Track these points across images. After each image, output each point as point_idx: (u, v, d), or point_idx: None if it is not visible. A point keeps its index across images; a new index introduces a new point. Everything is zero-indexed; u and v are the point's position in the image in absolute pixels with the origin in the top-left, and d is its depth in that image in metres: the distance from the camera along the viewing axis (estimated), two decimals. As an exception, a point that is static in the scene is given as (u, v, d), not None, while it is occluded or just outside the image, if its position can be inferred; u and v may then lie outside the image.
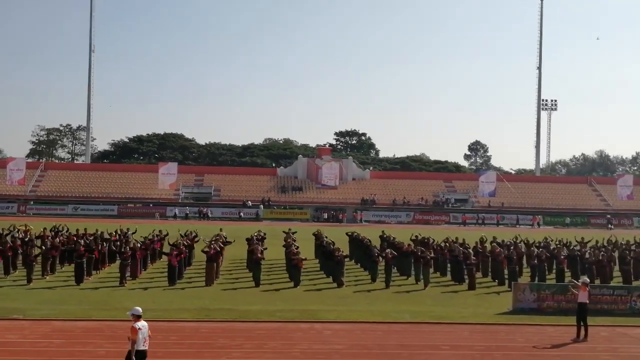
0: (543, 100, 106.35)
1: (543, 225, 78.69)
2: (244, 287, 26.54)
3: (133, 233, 36.56)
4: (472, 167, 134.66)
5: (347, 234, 37.98)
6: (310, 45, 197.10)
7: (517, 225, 76.71)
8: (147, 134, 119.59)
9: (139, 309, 13.36)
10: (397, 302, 24.22)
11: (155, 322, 19.41)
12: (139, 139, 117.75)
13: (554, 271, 30.40)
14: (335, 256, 28.05)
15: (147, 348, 13.22)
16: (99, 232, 35.18)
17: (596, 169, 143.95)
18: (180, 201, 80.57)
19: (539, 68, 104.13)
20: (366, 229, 51.43)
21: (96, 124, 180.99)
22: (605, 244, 36.47)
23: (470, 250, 31.27)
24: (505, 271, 28.85)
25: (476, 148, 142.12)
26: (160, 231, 35.55)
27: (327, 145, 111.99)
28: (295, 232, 38.67)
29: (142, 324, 13.17)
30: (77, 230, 36.28)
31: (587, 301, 19.11)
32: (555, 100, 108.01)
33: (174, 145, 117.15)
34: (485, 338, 18.81)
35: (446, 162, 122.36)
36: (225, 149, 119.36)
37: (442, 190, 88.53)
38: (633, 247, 35.28)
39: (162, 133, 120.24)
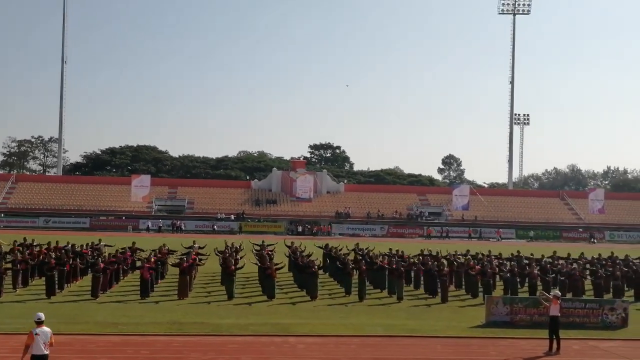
0: (516, 114, 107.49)
1: (514, 239, 79.25)
2: (217, 300, 26.34)
3: (107, 246, 36.19)
4: (446, 180, 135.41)
5: (318, 247, 37.90)
6: (284, 58, 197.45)
7: (482, 239, 77.12)
8: (120, 146, 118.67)
9: (41, 314, 14.38)
10: (370, 315, 24.17)
11: (126, 336, 19.27)
12: (111, 151, 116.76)
13: (526, 284, 30.56)
14: (309, 269, 27.98)
15: (48, 353, 14.04)
16: (69, 245, 34.80)
17: (568, 183, 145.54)
18: (153, 214, 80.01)
19: (512, 82, 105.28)
20: (340, 242, 51.37)
21: (68, 136, 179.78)
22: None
23: (444, 262, 31.42)
24: (479, 284, 28.99)
25: (450, 162, 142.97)
26: (164, 245, 35.25)
27: (301, 158, 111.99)
28: (274, 244, 38.49)
29: (41, 329, 13.99)
30: (49, 243, 35.83)
31: (559, 314, 19.22)
32: (528, 115, 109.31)
33: (147, 157, 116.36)
34: (458, 351, 18.83)
35: (420, 175, 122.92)
36: (199, 161, 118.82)
37: (416, 204, 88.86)
38: (604, 262, 35.58)
39: (135, 145, 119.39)
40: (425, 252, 35.60)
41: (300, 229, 77.97)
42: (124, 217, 78.62)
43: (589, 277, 31.47)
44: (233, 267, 27.58)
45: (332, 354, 17.98)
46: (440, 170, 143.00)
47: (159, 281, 29.87)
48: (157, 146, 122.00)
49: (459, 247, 44.32)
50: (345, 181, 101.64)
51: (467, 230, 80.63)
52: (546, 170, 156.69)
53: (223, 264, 28.87)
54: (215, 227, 76.68)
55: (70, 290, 27.77)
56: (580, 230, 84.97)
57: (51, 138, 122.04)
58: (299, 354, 17.92)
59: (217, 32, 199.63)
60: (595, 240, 78.15)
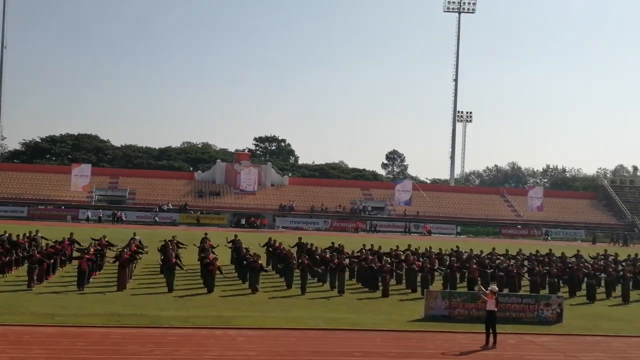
0: (459, 112, 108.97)
1: (454, 235, 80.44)
2: (157, 292, 26.06)
3: (44, 238, 35.39)
4: (389, 176, 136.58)
5: (261, 245, 37.68)
6: (230, 49, 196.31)
7: (408, 234, 78.08)
8: (61, 134, 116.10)
9: None
10: (312, 308, 24.22)
11: (63, 328, 18.91)
12: (51, 139, 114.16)
13: (465, 279, 31.04)
14: (250, 262, 27.90)
15: None
16: (6, 235, 33.97)
17: (508, 181, 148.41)
18: (93, 204, 78.69)
19: (456, 80, 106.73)
20: (284, 236, 51.42)
21: (7, 123, 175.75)
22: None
23: (387, 258, 31.70)
24: (418, 279, 29.35)
25: (394, 157, 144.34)
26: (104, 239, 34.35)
27: (246, 151, 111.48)
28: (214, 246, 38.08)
29: None
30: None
31: (496, 309, 19.55)
32: (471, 112, 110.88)
33: (88, 146, 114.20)
34: (398, 345, 19.01)
35: (364, 170, 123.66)
36: (141, 151, 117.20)
37: (360, 198, 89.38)
38: (541, 258, 36.38)
39: (75, 134, 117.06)
40: (367, 248, 35.83)
41: (243, 221, 77.66)
42: (63, 207, 77.12)
43: (526, 274, 32.06)
44: (174, 260, 27.31)
45: (272, 347, 17.96)
46: (384, 166, 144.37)
47: (96, 273, 29.35)
48: (98, 135, 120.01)
49: (398, 242, 44.71)
50: (290, 174, 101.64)
51: (404, 225, 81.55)
52: (487, 167, 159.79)
53: (164, 257, 28.56)
54: (157, 218, 75.82)
55: (7, 280, 27.14)
56: (519, 227, 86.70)
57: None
58: (239, 346, 17.85)
59: (161, 21, 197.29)
60: (549, 238, 79.67)
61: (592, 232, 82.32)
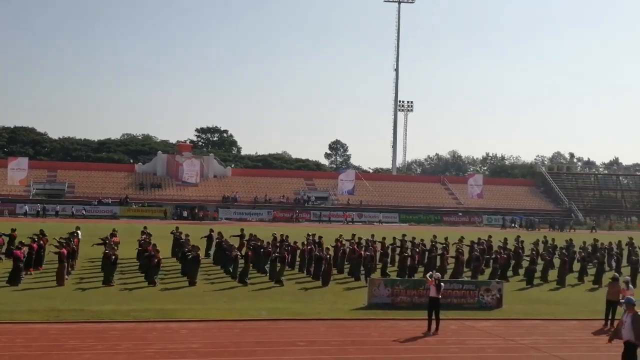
0: (400, 101, 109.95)
1: (398, 223, 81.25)
2: (97, 287, 25.61)
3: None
4: (333, 165, 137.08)
5: (202, 237, 37.38)
6: (169, 39, 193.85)
7: (330, 222, 78.72)
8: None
9: None
10: (255, 299, 24.15)
11: (1, 325, 18.45)
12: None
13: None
14: (189, 254, 27.70)
15: None
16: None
17: (449, 169, 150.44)
18: (31, 198, 76.95)
19: (396, 70, 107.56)
20: (227, 227, 51.16)
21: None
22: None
23: (329, 247, 31.80)
24: (361, 267, 29.58)
25: (336, 147, 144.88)
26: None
27: (187, 142, 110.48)
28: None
29: None
30: None
31: (438, 296, 19.77)
32: (412, 102, 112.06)
33: (25, 139, 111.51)
34: (341, 333, 19.11)
35: (307, 160, 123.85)
36: (80, 144, 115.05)
37: (303, 188, 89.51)
38: (482, 245, 36.94)
39: (11, 127, 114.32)
40: (311, 239, 35.85)
41: (185, 213, 76.98)
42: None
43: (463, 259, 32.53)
44: (116, 254, 26.91)
45: (215, 339, 17.87)
46: (327, 156, 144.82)
47: (30, 269, 28.60)
48: (35, 128, 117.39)
49: (342, 231, 44.95)
50: (233, 165, 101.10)
51: (344, 215, 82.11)
52: (428, 156, 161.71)
53: (107, 251, 28.07)
54: (84, 211, 74.17)
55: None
56: (460, 214, 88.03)
57: None
58: (181, 339, 17.70)
59: (100, 11, 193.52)
60: (515, 225, 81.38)
61: (530, 218, 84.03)
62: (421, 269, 31.63)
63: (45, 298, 22.78)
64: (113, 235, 34.56)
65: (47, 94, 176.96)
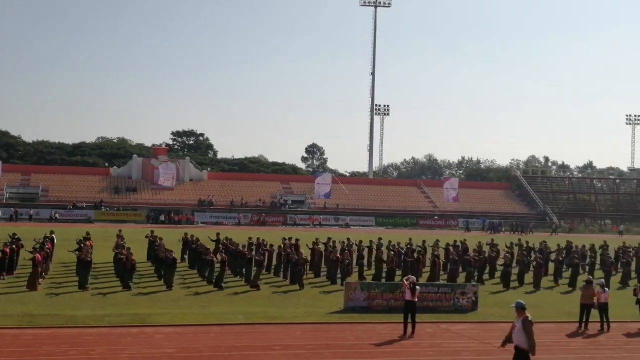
0: (376, 105, 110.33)
1: (374, 226, 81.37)
2: (71, 291, 25.34)
3: None
4: (309, 169, 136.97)
5: (179, 240, 37.19)
6: (145, 43, 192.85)
7: (296, 226, 78.73)
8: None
9: None
10: (231, 303, 24.03)
11: (-30, 331, 18.18)
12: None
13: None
14: (167, 258, 27.50)
15: None
16: None
17: (425, 172, 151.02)
18: (4, 202, 76.07)
19: (373, 74, 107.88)
20: (203, 231, 50.89)
21: None
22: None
23: (302, 251, 31.78)
24: (338, 271, 29.58)
25: (313, 150, 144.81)
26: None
27: (163, 145, 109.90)
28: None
29: None
30: None
31: (414, 299, 19.78)
32: (388, 106, 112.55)
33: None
34: (317, 337, 19.07)
35: (284, 164, 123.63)
36: (54, 147, 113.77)
37: (280, 192, 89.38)
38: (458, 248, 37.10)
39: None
40: (287, 242, 35.77)
41: (162, 217, 76.48)
42: (-29, 206, 74.36)
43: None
44: (90, 258, 26.66)
45: (191, 343, 17.73)
46: (303, 159, 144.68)
47: (3, 274, 28.19)
48: (8, 131, 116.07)
49: (316, 235, 44.91)
50: (209, 169, 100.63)
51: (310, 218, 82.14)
52: (404, 159, 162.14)
53: (79, 254, 27.80)
54: (57, 215, 73.20)
55: None
56: (436, 217, 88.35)
57: None
58: (156, 343, 17.55)
59: (75, 13, 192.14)
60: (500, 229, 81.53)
61: (492, 222, 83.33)
62: (399, 272, 31.67)
63: (18, 303, 22.48)
64: (87, 239, 34.25)
65: (21, 96, 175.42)
